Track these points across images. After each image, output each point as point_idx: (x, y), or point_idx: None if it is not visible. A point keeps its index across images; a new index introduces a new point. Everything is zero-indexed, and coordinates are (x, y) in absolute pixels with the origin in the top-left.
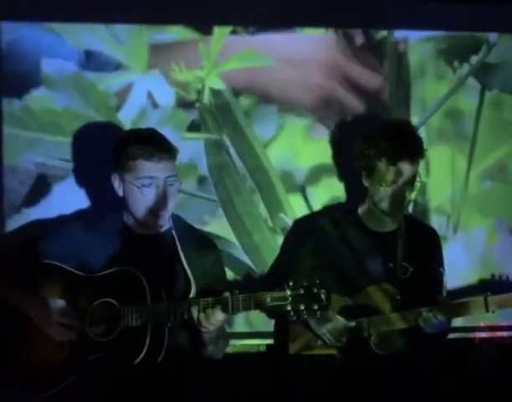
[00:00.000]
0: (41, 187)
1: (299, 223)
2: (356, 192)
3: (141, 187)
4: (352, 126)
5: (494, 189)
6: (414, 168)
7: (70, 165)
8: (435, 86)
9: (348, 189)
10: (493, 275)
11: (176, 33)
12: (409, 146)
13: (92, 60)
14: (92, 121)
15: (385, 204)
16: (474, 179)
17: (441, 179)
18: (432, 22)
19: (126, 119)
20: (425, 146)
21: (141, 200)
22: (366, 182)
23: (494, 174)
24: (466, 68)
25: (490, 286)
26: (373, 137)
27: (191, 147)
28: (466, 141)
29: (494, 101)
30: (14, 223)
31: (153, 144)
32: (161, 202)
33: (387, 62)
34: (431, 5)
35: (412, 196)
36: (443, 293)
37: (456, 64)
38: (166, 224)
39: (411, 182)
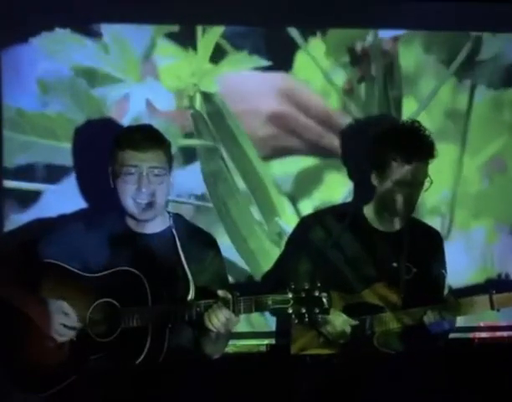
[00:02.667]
0: (33, 191)
1: (304, 220)
2: (362, 191)
3: (123, 175)
4: (362, 127)
5: (493, 188)
6: (426, 168)
7: (63, 170)
8: (427, 85)
9: (354, 188)
10: (499, 275)
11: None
12: (424, 146)
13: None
14: (93, 119)
15: (395, 204)
16: (472, 178)
17: (436, 179)
18: (419, 21)
19: None
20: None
21: (124, 188)
22: (374, 182)
23: (492, 173)
24: (456, 66)
25: (494, 285)
26: (388, 136)
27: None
28: (461, 140)
29: (490, 99)
30: (11, 225)
31: (141, 134)
32: (144, 191)
33: (376, 63)
34: (418, 4)
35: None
36: (444, 295)
37: (446, 61)
38: (156, 217)
39: (422, 182)
